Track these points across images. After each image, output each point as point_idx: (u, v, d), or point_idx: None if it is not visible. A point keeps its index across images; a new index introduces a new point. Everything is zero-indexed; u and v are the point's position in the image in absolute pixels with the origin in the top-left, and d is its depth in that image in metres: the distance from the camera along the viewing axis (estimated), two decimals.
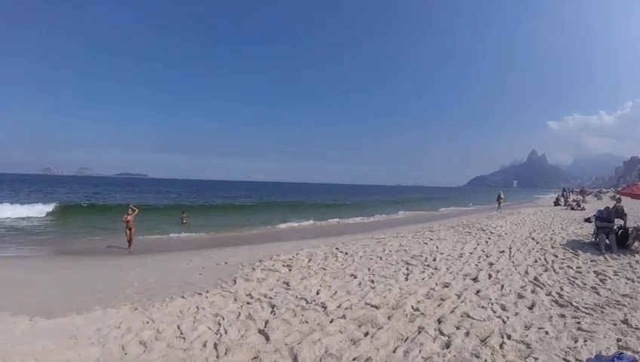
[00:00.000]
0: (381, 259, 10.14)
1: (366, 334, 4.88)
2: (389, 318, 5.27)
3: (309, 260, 10.42)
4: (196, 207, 40.92)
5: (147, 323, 6.26)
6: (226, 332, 5.48)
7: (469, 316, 5.40)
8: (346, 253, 11.12)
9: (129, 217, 16.29)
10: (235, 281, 8.90)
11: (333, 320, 5.38)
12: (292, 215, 31.60)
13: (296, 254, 11.44)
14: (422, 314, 5.42)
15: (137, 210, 17.17)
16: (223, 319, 6.04)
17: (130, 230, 16.22)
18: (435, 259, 9.78)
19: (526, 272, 8.70)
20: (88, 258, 13.88)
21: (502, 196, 36.64)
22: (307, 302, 6.42)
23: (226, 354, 4.75)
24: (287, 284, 7.93)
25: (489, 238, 14.02)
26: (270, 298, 6.94)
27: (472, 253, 10.64)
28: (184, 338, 5.45)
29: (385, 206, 48.54)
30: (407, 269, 8.64)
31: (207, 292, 8.07)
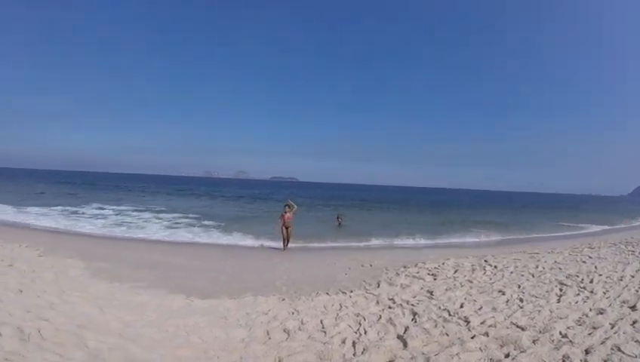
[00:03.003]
0: (533, 276, 9.37)
1: (507, 355, 4.60)
2: (533, 342, 4.90)
3: (455, 271, 10.06)
4: (351, 208, 41.87)
5: (292, 313, 6.61)
6: (365, 333, 5.55)
7: (619, 349, 4.80)
8: (495, 267, 10.49)
9: (287, 215, 15.70)
10: (378, 284, 8.97)
11: (474, 336, 5.15)
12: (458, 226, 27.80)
13: (442, 264, 11.10)
14: (570, 341, 4.96)
15: (296, 207, 16.54)
16: (364, 319, 6.12)
17: (287, 228, 15.64)
18: (592, 281, 8.74)
19: None
20: (243, 250, 15.15)
21: None
22: (450, 314, 6.22)
23: (362, 353, 4.83)
24: (431, 293, 7.73)
25: None
26: (412, 305, 6.84)
27: (633, 276, 9.32)
28: (325, 332, 5.66)
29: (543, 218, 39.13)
30: (561, 290, 7.89)
31: (351, 292, 8.25)
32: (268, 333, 5.65)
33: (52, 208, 27.60)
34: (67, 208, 28.50)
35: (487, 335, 5.15)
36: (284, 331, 5.71)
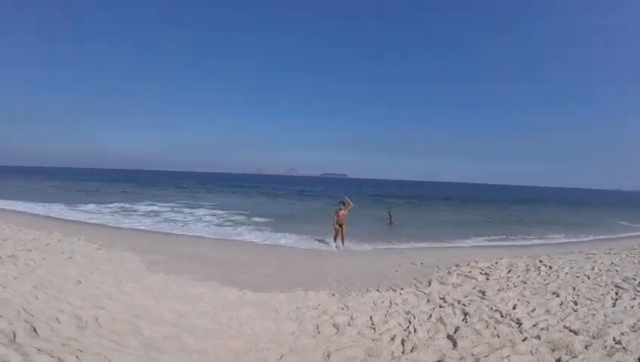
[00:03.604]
0: (588, 278, 9.04)
1: (558, 360, 4.51)
2: (586, 347, 4.78)
3: (509, 271, 9.87)
4: (402, 205, 41.61)
5: (342, 309, 6.73)
6: (415, 331, 5.58)
7: None
8: (550, 268, 10.20)
9: (342, 212, 15.36)
10: (429, 283, 8.94)
11: (526, 338, 5.08)
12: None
13: (496, 263, 10.90)
14: (623, 348, 4.81)
15: (352, 205, 16.09)
16: (414, 318, 6.14)
17: (340, 226, 15.31)
18: None
19: None
20: (293, 246, 15.36)
21: None
22: (502, 316, 6.15)
23: (412, 351, 4.86)
24: (483, 294, 7.64)
25: None
26: (464, 305, 6.80)
27: None
28: (374, 328, 5.74)
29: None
30: (617, 294, 7.57)
31: (402, 289, 8.27)
32: (317, 327, 5.78)
33: (108, 205, 29.65)
34: (122, 205, 30.47)
35: (539, 339, 5.08)
36: (334, 326, 5.83)
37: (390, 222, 24.11)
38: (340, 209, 15.48)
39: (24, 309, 5.99)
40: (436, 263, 11.38)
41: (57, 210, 25.47)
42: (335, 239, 15.49)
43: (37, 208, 25.55)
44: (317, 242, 16.18)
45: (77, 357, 4.41)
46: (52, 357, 4.37)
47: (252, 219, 23.42)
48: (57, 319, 5.64)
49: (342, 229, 15.39)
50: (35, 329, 5.22)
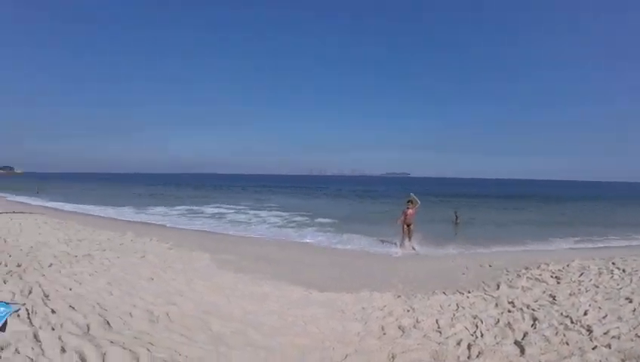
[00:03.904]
0: None
1: None
2: None
3: (581, 274, 9.50)
4: (467, 204, 40.74)
5: (408, 311, 6.80)
6: (482, 336, 5.58)
7: None
8: (624, 271, 9.68)
9: (409, 211, 14.87)
10: (498, 286, 8.82)
11: (596, 347, 4.95)
12: None
13: (567, 266, 10.52)
14: None
15: (419, 203, 15.66)
16: (481, 322, 6.12)
17: (408, 226, 14.89)
18: None
19: None
20: (358, 247, 15.35)
21: None
22: (572, 322, 5.99)
23: (477, 356, 4.88)
24: (554, 298, 7.44)
25: None
26: (533, 309, 6.67)
27: None
28: (440, 332, 5.78)
29: None
30: None
31: (469, 292, 8.25)
32: (383, 329, 5.89)
33: (175, 208, 32.01)
34: (189, 207, 32.44)
35: (610, 347, 4.95)
36: (399, 328, 5.92)
37: (456, 223, 23.55)
38: (408, 208, 15.04)
39: (98, 304, 6.49)
40: (505, 265, 11.14)
41: (128, 212, 27.45)
42: (402, 240, 15.05)
43: (109, 211, 27.49)
44: (382, 243, 15.92)
45: (148, 350, 4.73)
46: (124, 349, 4.72)
47: (315, 220, 23.67)
48: (130, 314, 6.07)
49: (409, 229, 15.00)
50: (108, 323, 5.65)
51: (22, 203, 34.22)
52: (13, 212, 22.15)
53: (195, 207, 32.84)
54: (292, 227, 21.15)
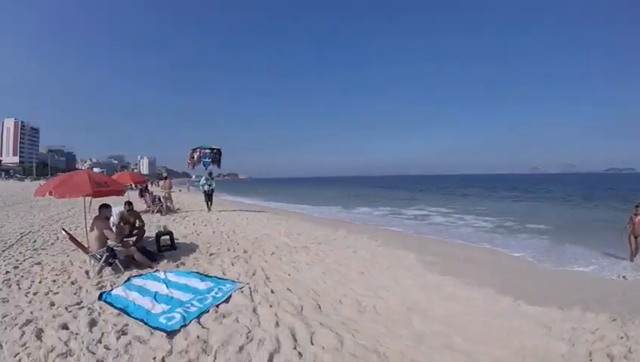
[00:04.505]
0: None
1: None
2: None
3: None
4: None
5: (621, 338, 6.07)
6: None
7: None
8: None
9: (638, 219, 12.49)
10: None
11: None
12: None
13: None
14: None
15: None
16: None
17: (636, 237, 12.54)
18: None
19: None
20: (575, 258, 13.77)
21: None
22: None
23: None
24: None
25: None
26: None
27: None
28: None
29: None
30: None
31: None
32: (590, 354, 5.36)
33: (379, 208, 33.74)
34: (392, 208, 33.75)
35: None
36: (608, 356, 5.29)
37: None
38: (637, 214, 12.60)
39: (312, 289, 7.28)
40: None
41: (337, 211, 29.37)
42: (630, 254, 12.65)
43: (322, 210, 30.00)
44: (603, 255, 13.77)
45: (353, 336, 5.16)
46: (332, 331, 5.23)
47: (526, 226, 22.04)
48: (340, 301, 6.68)
49: (637, 242, 12.53)
50: (319, 307, 6.29)
51: (247, 203, 39.49)
52: (240, 210, 25.46)
53: (397, 208, 34.12)
54: (499, 233, 20.14)
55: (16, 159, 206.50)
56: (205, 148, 22.33)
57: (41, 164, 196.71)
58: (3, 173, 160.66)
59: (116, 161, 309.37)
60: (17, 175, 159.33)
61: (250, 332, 5.32)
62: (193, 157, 22.48)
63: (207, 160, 22.20)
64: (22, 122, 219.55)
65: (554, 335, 6.02)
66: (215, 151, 22.46)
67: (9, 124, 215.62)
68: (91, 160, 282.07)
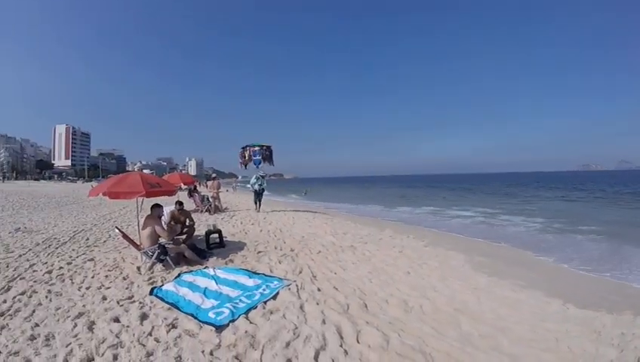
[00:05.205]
0: None
1: None
2: None
3: None
4: None
5: None
6: None
7: None
8: None
9: None
10: None
11: None
12: None
13: None
14: None
15: None
16: None
17: None
18: None
19: None
20: (629, 261, 13.32)
21: None
22: None
23: None
24: None
25: None
26: None
27: None
28: None
29: None
30: None
31: None
32: (639, 361, 5.29)
33: (422, 208, 33.81)
34: (434, 208, 33.64)
35: None
36: None
37: None
38: None
39: (359, 288, 7.37)
40: None
41: (380, 210, 29.42)
42: None
43: (366, 209, 30.09)
44: None
45: (399, 335, 5.22)
46: (378, 330, 5.31)
47: (577, 228, 21.19)
48: (386, 301, 6.74)
49: None
50: (366, 306, 6.38)
51: (292, 202, 39.98)
52: (286, 209, 25.80)
53: (441, 208, 33.72)
54: (550, 233, 19.54)
55: (69, 162, 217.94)
56: (254, 146, 22.56)
57: (93, 167, 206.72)
58: (56, 176, 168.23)
59: (165, 163, 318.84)
60: (69, 177, 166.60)
61: (297, 328, 5.47)
62: (245, 156, 22.77)
63: (257, 157, 22.44)
64: (73, 127, 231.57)
65: (603, 341, 5.88)
66: (265, 148, 22.65)
67: (61, 129, 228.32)
68: (141, 162, 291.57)
